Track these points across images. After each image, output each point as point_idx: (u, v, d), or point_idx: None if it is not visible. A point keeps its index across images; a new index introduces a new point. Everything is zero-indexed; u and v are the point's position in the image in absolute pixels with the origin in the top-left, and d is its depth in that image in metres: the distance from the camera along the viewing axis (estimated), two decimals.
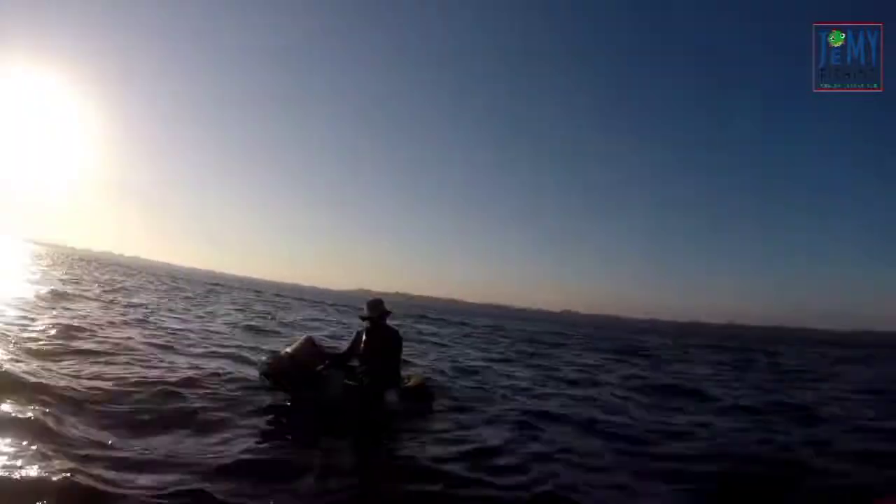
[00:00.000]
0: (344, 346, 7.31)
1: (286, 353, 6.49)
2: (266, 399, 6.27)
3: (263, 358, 6.59)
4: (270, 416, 5.77)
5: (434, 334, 22.98)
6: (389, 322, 7.04)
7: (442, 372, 10.33)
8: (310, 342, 6.74)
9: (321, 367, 6.36)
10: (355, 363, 6.80)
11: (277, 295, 55.17)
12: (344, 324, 22.04)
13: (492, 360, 14.22)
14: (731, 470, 5.27)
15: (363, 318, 6.86)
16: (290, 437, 5.24)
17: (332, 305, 44.29)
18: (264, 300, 38.12)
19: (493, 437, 5.72)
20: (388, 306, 6.96)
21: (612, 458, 5.39)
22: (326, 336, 15.13)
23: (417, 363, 10.83)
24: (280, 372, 6.26)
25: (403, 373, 7.14)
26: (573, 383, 10.72)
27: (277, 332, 15.21)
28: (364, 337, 6.80)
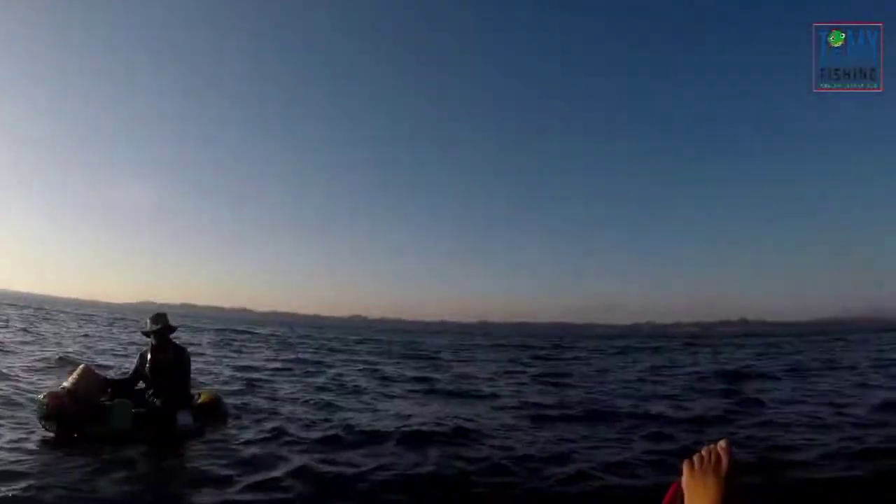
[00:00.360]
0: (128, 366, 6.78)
1: (64, 388, 5.73)
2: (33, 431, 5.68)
3: (40, 397, 5.73)
4: (40, 450, 5.20)
5: (217, 344, 22.07)
6: (175, 337, 6.65)
7: (226, 383, 10.10)
8: (88, 372, 6.08)
9: (105, 398, 5.88)
10: (142, 386, 6.31)
11: (41, 309, 48.45)
12: (119, 340, 20.06)
13: (277, 369, 13.99)
14: (519, 471, 5.37)
15: (146, 334, 6.43)
16: (61, 468, 4.72)
17: (104, 318, 40.03)
18: (26, 316, 32.92)
19: (279, 452, 5.67)
20: (172, 320, 6.56)
21: (392, 462, 5.49)
22: (92, 351, 13.88)
23: (200, 379, 10.21)
24: (61, 412, 5.56)
25: (193, 390, 6.79)
26: (359, 391, 10.73)
27: (33, 353, 13.47)
28: (149, 356, 6.30)
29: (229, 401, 7.80)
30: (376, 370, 15.37)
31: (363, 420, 7.55)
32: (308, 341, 31.23)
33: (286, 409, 8.11)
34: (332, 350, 24.18)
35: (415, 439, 6.51)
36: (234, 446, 5.78)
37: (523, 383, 13.03)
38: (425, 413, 8.36)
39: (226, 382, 10.35)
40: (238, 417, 7.13)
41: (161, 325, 6.34)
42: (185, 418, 6.09)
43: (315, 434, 6.59)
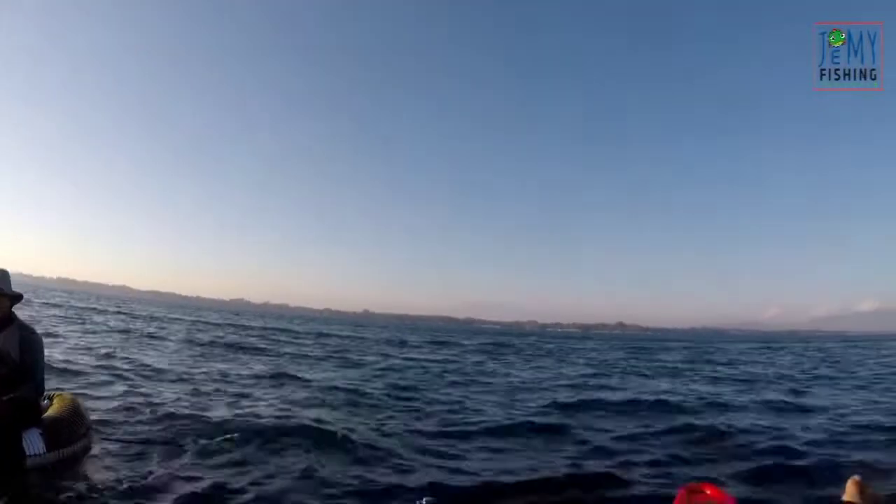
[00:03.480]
0: None
1: None
2: None
3: None
4: None
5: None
6: (20, 312, 4.17)
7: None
8: None
9: None
10: None
11: None
12: None
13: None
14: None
15: None
16: None
17: None
18: None
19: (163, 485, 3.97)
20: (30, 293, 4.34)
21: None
22: None
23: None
24: None
25: (45, 391, 4.37)
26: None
27: None
28: None
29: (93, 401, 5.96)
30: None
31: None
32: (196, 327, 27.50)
33: (171, 415, 6.09)
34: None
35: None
36: (106, 482, 3.83)
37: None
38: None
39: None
40: (104, 433, 4.97)
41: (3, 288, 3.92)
42: (34, 443, 3.81)
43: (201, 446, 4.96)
